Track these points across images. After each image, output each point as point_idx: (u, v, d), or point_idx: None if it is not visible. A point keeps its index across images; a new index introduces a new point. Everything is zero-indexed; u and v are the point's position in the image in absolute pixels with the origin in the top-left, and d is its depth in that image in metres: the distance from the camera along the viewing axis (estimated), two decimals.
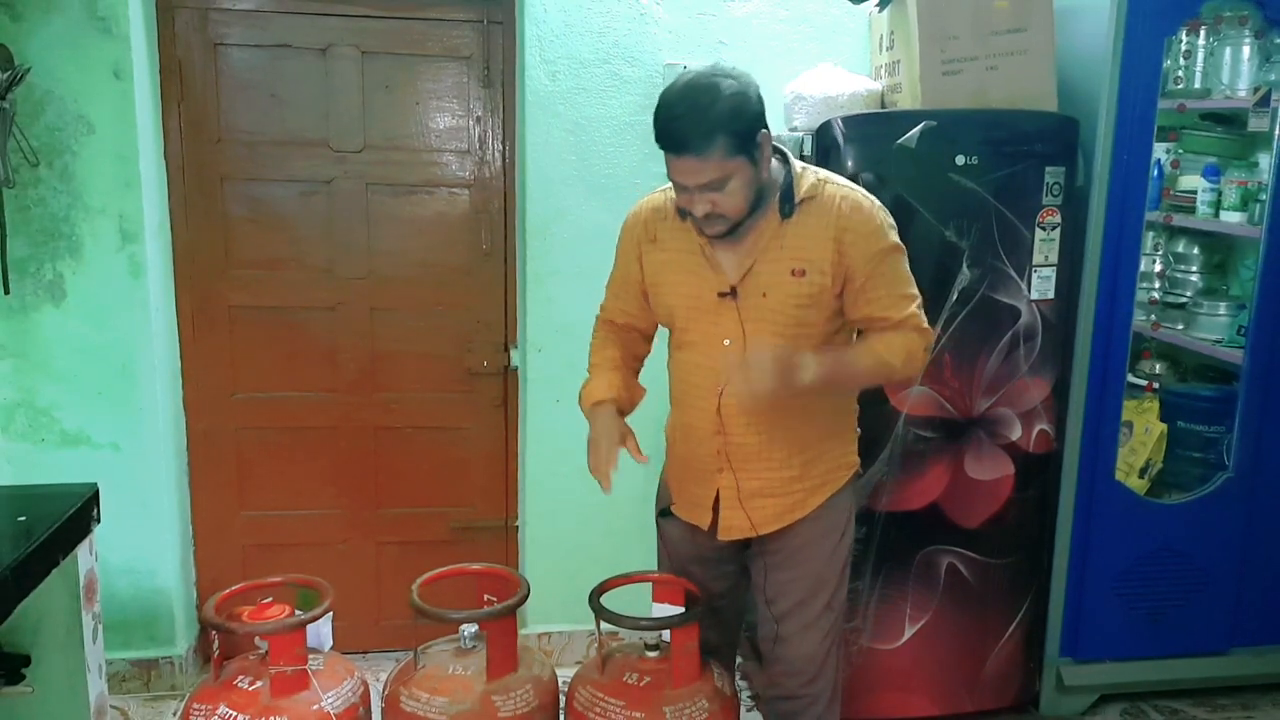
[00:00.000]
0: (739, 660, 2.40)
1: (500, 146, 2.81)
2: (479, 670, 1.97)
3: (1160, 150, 2.90)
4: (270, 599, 1.97)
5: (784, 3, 2.74)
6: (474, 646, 2.03)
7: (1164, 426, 2.88)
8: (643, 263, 1.94)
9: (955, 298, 2.40)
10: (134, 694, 2.72)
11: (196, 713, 1.87)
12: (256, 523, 2.90)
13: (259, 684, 1.89)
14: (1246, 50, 2.83)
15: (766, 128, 1.76)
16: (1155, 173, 2.78)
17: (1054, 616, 2.69)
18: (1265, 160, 2.77)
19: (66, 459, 2.59)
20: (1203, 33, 2.86)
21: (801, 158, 2.47)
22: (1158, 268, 3.18)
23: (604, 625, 2.00)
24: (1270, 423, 2.70)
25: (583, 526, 2.87)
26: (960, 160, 2.35)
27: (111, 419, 2.61)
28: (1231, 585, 2.76)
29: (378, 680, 2.46)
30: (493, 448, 2.96)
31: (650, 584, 2.09)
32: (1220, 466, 2.78)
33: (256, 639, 1.94)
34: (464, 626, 2.04)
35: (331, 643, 2.06)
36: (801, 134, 2.52)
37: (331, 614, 2.01)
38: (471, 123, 2.80)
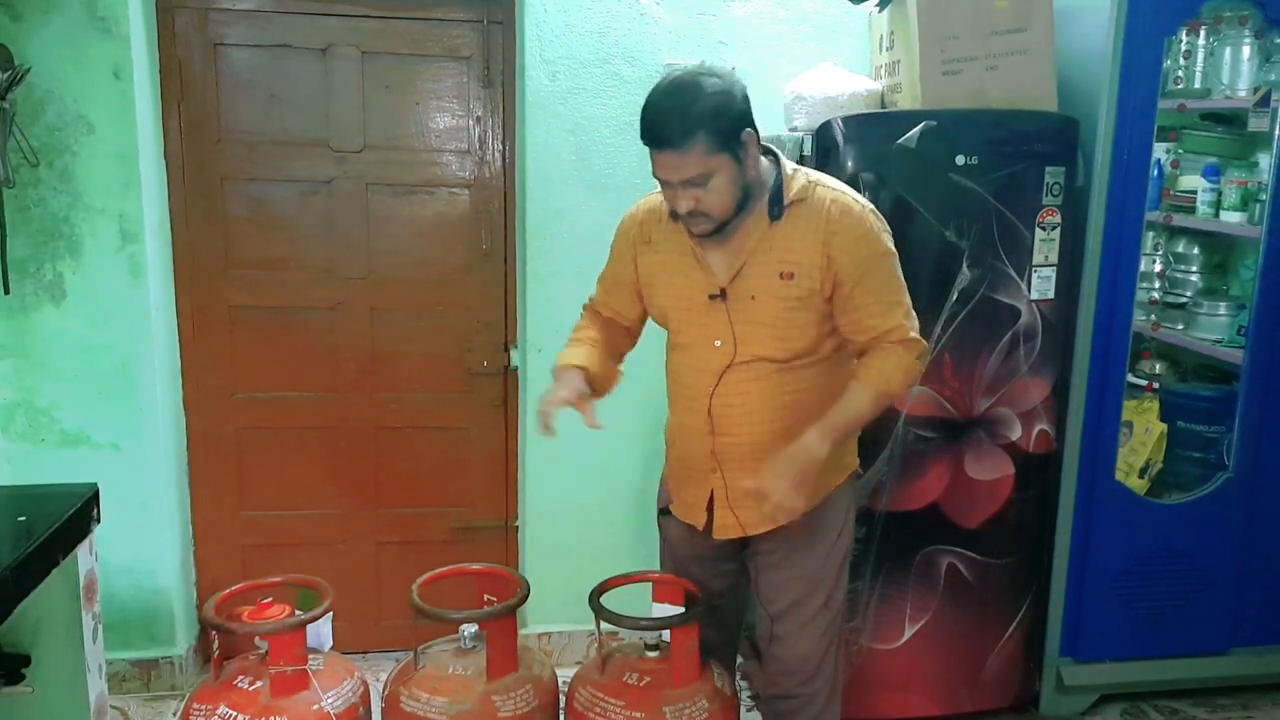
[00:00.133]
0: (739, 660, 2.40)
1: (500, 146, 2.81)
2: (479, 670, 1.97)
3: (1160, 150, 2.90)
4: (270, 599, 1.97)
5: (784, 3, 2.74)
6: (474, 646, 2.03)
7: (1164, 426, 2.88)
8: (637, 264, 1.95)
9: (955, 298, 2.40)
10: (134, 694, 2.72)
11: (196, 713, 1.87)
12: (256, 523, 2.90)
13: (259, 684, 1.89)
14: (1246, 50, 2.83)
15: (753, 128, 1.76)
16: (1155, 173, 2.78)
17: (1054, 616, 2.69)
18: (1265, 160, 2.77)
19: (66, 459, 2.59)
20: (1203, 33, 2.86)
21: (802, 158, 2.48)
22: (1158, 268, 3.18)
23: (604, 625, 2.00)
24: (1270, 423, 2.70)
25: (583, 526, 2.87)
26: (960, 160, 2.34)
27: (111, 419, 2.61)
28: (1232, 585, 2.76)
29: (378, 680, 2.46)
30: (493, 448, 2.96)
31: (650, 584, 2.09)
32: (1220, 466, 2.78)
33: (256, 639, 1.94)
34: (464, 626, 2.04)
35: (331, 643, 2.06)
36: (802, 134, 2.52)
37: (331, 614, 2.02)
38: (471, 123, 2.80)
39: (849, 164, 2.34)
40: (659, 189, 1.91)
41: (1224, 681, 2.84)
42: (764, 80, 2.74)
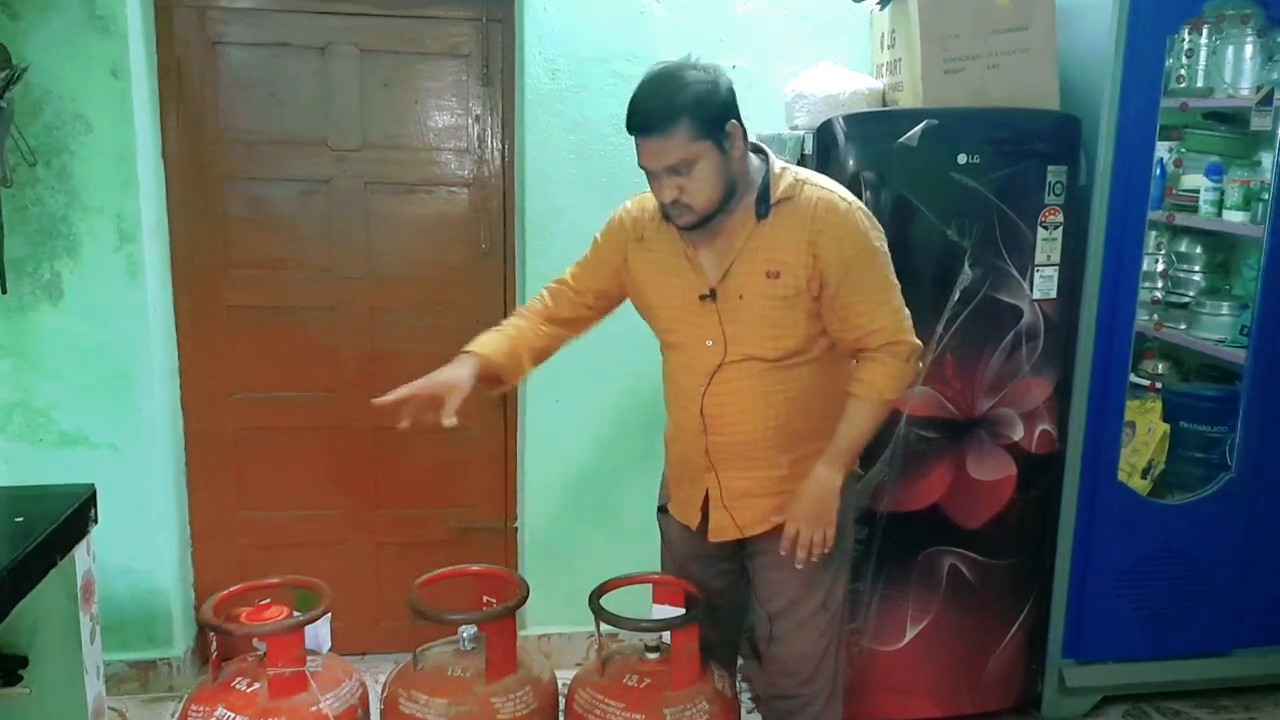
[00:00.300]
0: (740, 661, 2.39)
1: (499, 145, 2.81)
2: (478, 672, 1.96)
3: (1163, 149, 2.89)
4: (268, 600, 1.96)
5: (784, 1, 2.74)
6: (473, 648, 2.02)
7: (1166, 427, 2.87)
8: (628, 259, 1.95)
9: (957, 297, 2.39)
10: (132, 695, 2.71)
11: (194, 714, 1.87)
12: (255, 523, 2.89)
13: (257, 685, 1.89)
14: (1249, 49, 2.82)
15: (739, 121, 1.77)
16: (1158, 172, 2.77)
17: (1056, 617, 2.68)
18: (1268, 159, 2.76)
19: (64, 459, 2.58)
20: (1205, 31, 2.85)
21: (803, 156, 2.47)
22: (1160, 267, 3.17)
23: (604, 627, 1.99)
24: (1273, 423, 2.69)
25: (583, 527, 2.87)
26: (962, 159, 2.34)
27: (109, 419, 2.60)
28: (1234, 586, 2.75)
29: (376, 682, 2.44)
30: (493, 448, 2.95)
31: (650, 585, 2.08)
32: (1223, 467, 2.77)
33: (255, 640, 1.93)
34: (463, 628, 2.04)
35: (330, 644, 2.06)
36: (803, 132, 2.51)
37: (330, 615, 2.01)
38: (470, 121, 2.79)
39: (850, 163, 2.33)
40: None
41: (1226, 682, 2.84)
42: (764, 79, 2.73)
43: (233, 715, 1.84)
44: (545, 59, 2.66)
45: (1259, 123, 2.73)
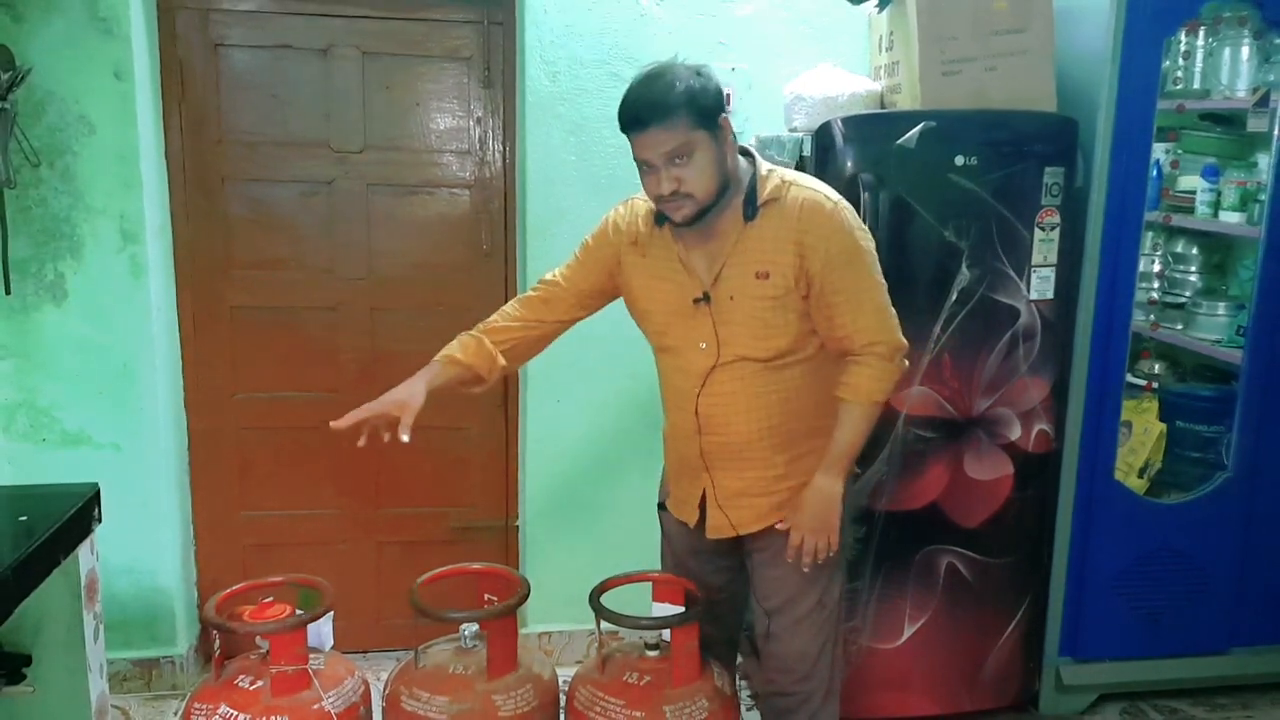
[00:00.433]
0: (739, 659, 2.40)
1: (500, 147, 2.82)
2: (479, 670, 1.97)
3: (1159, 150, 2.91)
4: (271, 598, 1.97)
5: (784, 3, 2.75)
6: (474, 646, 2.03)
7: (1163, 426, 2.89)
8: (622, 264, 1.97)
9: (954, 298, 2.40)
10: (135, 693, 2.72)
11: (197, 712, 1.87)
12: (257, 522, 2.90)
13: (260, 683, 1.89)
14: (1245, 51, 2.83)
15: (727, 114, 1.81)
16: (1154, 173, 2.78)
17: (1053, 616, 2.69)
18: (1264, 160, 2.77)
19: (67, 459, 2.59)
20: (1202, 33, 2.86)
21: (802, 158, 2.48)
22: (1157, 268, 3.19)
23: (604, 625, 2.00)
24: (1269, 422, 2.70)
25: (583, 526, 2.88)
26: (960, 161, 2.35)
27: (112, 419, 2.61)
28: (1231, 585, 2.76)
29: (378, 680, 2.46)
30: (493, 448, 2.96)
31: (650, 584, 2.09)
32: (1219, 466, 2.78)
33: (257, 638, 1.94)
34: (464, 626, 2.04)
35: (332, 642, 2.06)
36: (801, 134, 2.52)
37: (332, 613, 2.02)
38: (472, 123, 2.80)
39: (848, 164, 2.34)
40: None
41: (1223, 681, 2.85)
42: (764, 80, 2.74)
43: (236, 713, 1.85)
44: (546, 61, 2.67)
45: (1255, 124, 2.74)
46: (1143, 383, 2.94)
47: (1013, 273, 2.42)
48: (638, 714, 1.93)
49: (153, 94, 2.60)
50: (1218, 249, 3.19)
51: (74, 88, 2.45)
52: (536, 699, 1.98)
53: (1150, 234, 3.11)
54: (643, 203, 1.95)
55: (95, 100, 2.47)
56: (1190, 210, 2.97)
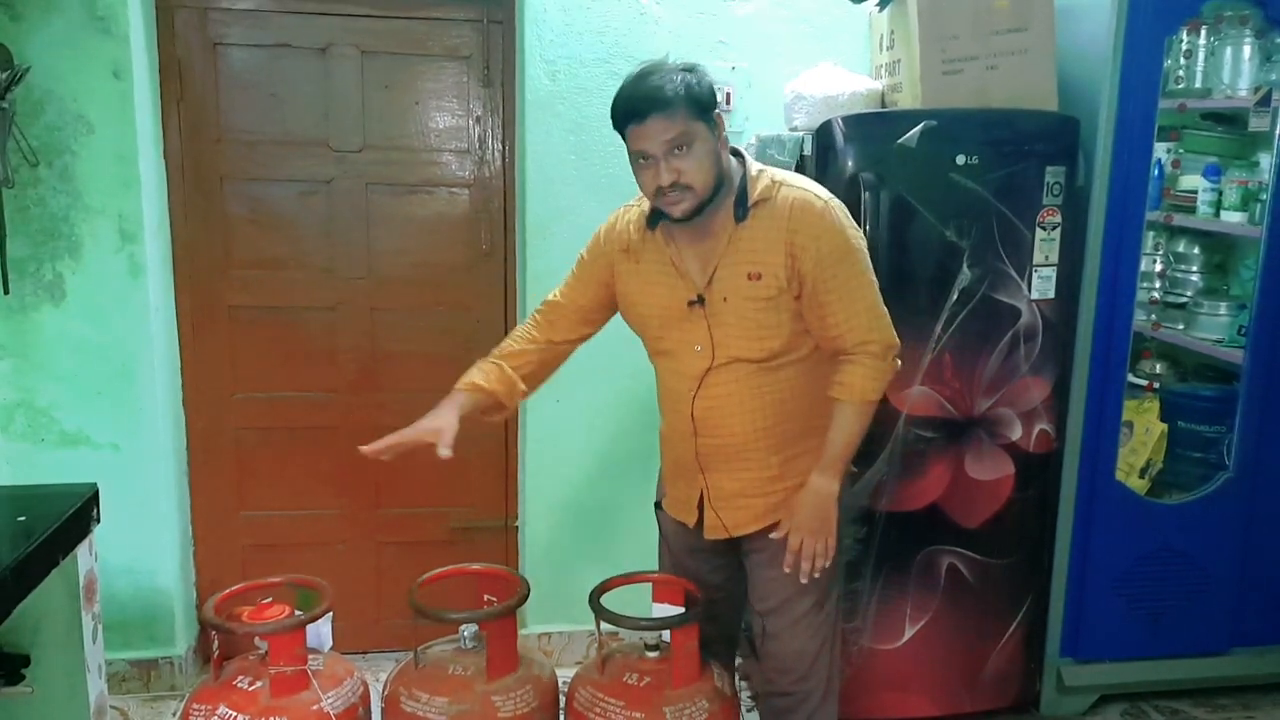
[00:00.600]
0: (739, 660, 2.40)
1: (500, 146, 2.81)
2: (479, 670, 1.97)
3: (1161, 150, 2.90)
4: (270, 599, 1.96)
5: (784, 2, 2.74)
6: (474, 647, 2.03)
7: (1164, 426, 2.88)
8: (615, 273, 1.97)
9: (955, 297, 2.40)
10: (134, 694, 2.72)
11: (196, 713, 1.87)
12: (256, 523, 2.90)
13: (259, 684, 1.89)
14: (1247, 50, 2.82)
15: (720, 110, 1.83)
16: (1156, 172, 2.78)
17: (1054, 616, 2.69)
18: (1266, 160, 2.76)
19: (66, 459, 2.59)
20: (1203, 32, 2.85)
21: (802, 157, 2.48)
22: (1158, 267, 3.18)
23: (604, 625, 2.00)
24: (1271, 422, 2.70)
25: (583, 526, 2.87)
26: (961, 160, 2.34)
27: (111, 419, 2.61)
28: (1232, 585, 2.76)
29: (377, 680, 2.45)
30: (493, 448, 2.96)
31: (650, 584, 2.09)
32: (1221, 466, 2.78)
33: (256, 639, 1.94)
34: (464, 627, 2.04)
35: (331, 643, 2.06)
36: (802, 134, 2.51)
37: (331, 614, 2.01)
38: (471, 122, 2.80)
39: (849, 164, 2.34)
40: (631, 201, 1.97)
41: (1225, 681, 2.84)
42: (764, 80, 2.74)
43: (234, 714, 1.84)
44: (546, 60, 2.67)
45: (1257, 123, 2.73)
46: (1144, 383, 2.93)
47: (1014, 272, 2.42)
48: (638, 715, 1.92)
49: (151, 93, 2.59)
50: (1219, 249, 3.18)
51: (72, 87, 2.45)
52: (536, 700, 1.98)
53: (1151, 233, 3.10)
54: (634, 208, 1.96)
55: (94, 99, 2.46)
56: (1192, 210, 2.97)
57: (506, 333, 2.85)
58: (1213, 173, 2.91)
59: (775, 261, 1.81)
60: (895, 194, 2.33)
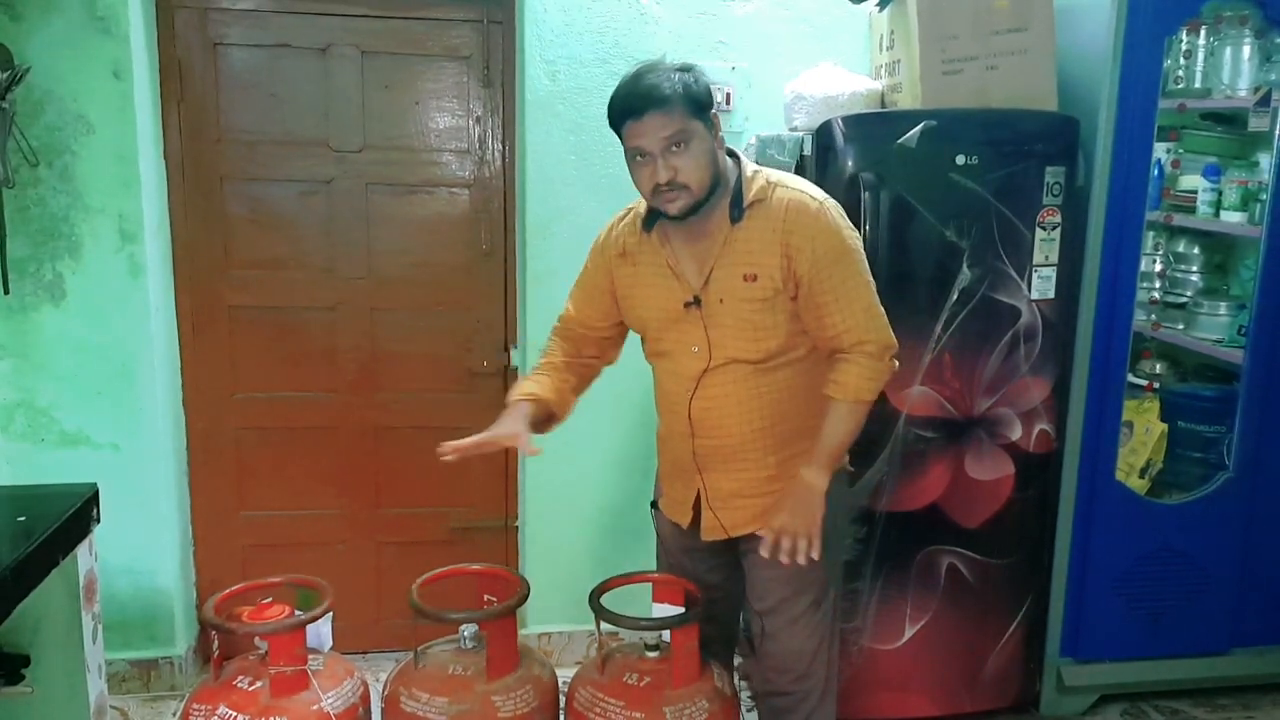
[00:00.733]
0: (738, 660, 2.40)
1: (500, 146, 2.81)
2: (479, 670, 1.97)
3: (1161, 150, 2.90)
4: (270, 599, 1.97)
5: (784, 2, 2.74)
6: (474, 647, 2.03)
7: (1164, 426, 2.88)
8: (614, 277, 1.98)
9: (955, 297, 2.40)
10: (134, 694, 2.72)
11: (196, 713, 1.87)
12: (256, 523, 2.90)
13: (259, 684, 1.89)
14: (1247, 50, 2.82)
15: (717, 110, 1.83)
16: (1156, 172, 2.78)
17: (1054, 616, 2.69)
18: (1266, 160, 2.76)
19: (66, 459, 2.59)
20: (1203, 32, 2.85)
21: (802, 157, 2.48)
22: (1158, 267, 3.18)
23: (604, 625, 2.00)
24: (1271, 422, 2.70)
25: (583, 526, 2.87)
26: (960, 160, 2.34)
27: (111, 419, 2.61)
28: (1232, 585, 2.76)
29: (378, 680, 2.45)
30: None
31: (650, 584, 2.09)
32: (1221, 466, 2.78)
33: (256, 639, 1.94)
34: (464, 627, 2.04)
35: (331, 643, 2.06)
36: (802, 134, 2.51)
37: (331, 614, 2.01)
38: (471, 122, 2.80)
39: (849, 164, 2.34)
40: (627, 206, 1.98)
41: (1225, 681, 2.84)
42: (764, 80, 2.74)
43: (234, 714, 1.84)
44: (545, 60, 2.67)
45: (1256, 123, 2.73)
46: (1144, 383, 2.93)
47: (1014, 272, 2.42)
48: (638, 715, 1.92)
49: (151, 93, 2.59)
50: (1219, 249, 3.18)
51: (72, 87, 2.45)
52: (536, 700, 1.98)
53: (1151, 233, 3.10)
54: (630, 211, 1.97)
55: (94, 99, 2.46)
56: (1191, 210, 2.97)
57: (506, 332, 2.89)
58: (1212, 173, 2.91)
59: (771, 263, 1.81)
60: (895, 194, 2.33)
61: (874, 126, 2.39)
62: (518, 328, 2.86)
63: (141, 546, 2.67)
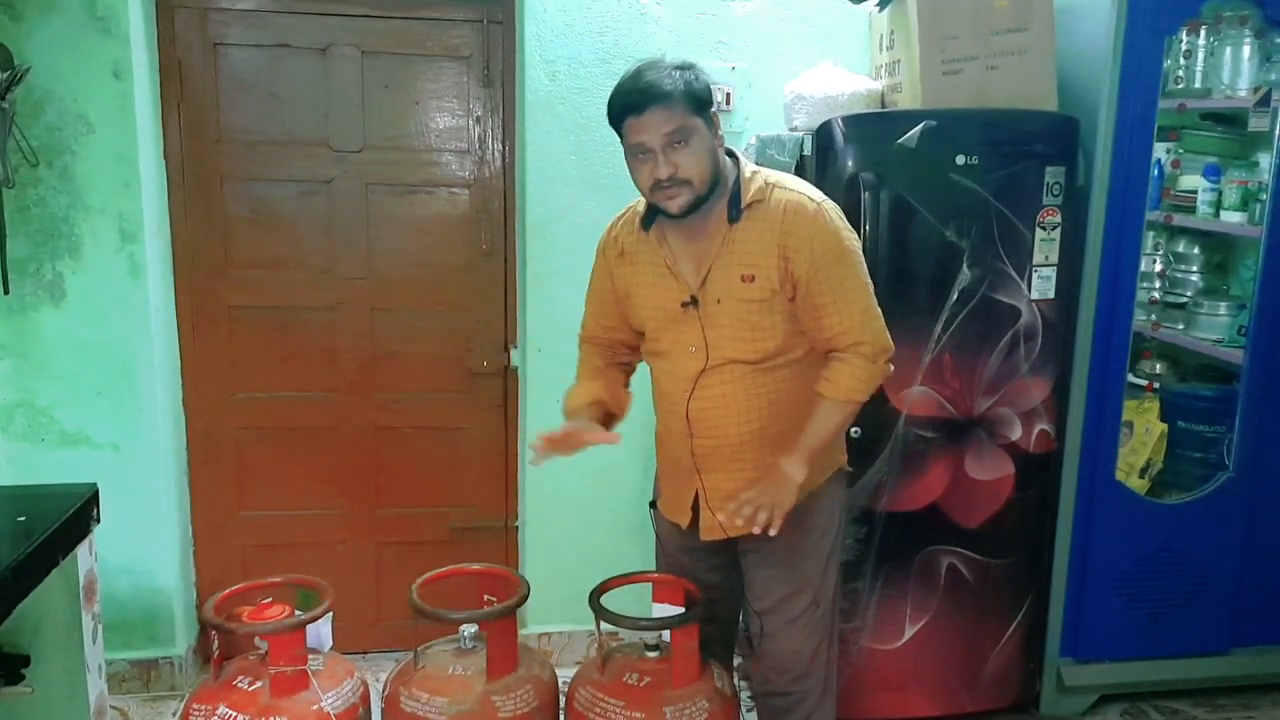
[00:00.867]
0: (738, 660, 2.40)
1: (500, 146, 2.81)
2: (479, 670, 1.97)
3: (1161, 150, 2.90)
4: (270, 599, 1.97)
5: (784, 2, 2.74)
6: (474, 647, 2.03)
7: (1164, 426, 2.88)
8: (614, 278, 1.98)
9: (955, 298, 2.40)
10: (134, 694, 2.72)
11: (196, 713, 1.87)
12: (256, 523, 2.90)
13: (259, 684, 1.89)
14: (1247, 50, 2.82)
15: (717, 109, 1.84)
16: (1155, 172, 2.78)
17: (1054, 616, 2.69)
18: (1265, 160, 2.76)
19: (66, 459, 2.59)
20: (1203, 32, 2.85)
21: (802, 157, 2.48)
22: (1158, 267, 3.18)
23: (604, 625, 2.00)
24: (1270, 422, 2.70)
25: (583, 526, 2.87)
26: (960, 160, 2.34)
27: (111, 419, 2.61)
28: (1232, 585, 2.76)
29: (377, 680, 2.45)
30: (493, 448, 2.96)
31: (650, 584, 2.09)
32: (1221, 466, 2.78)
33: (256, 639, 1.94)
34: (464, 627, 2.04)
35: (331, 643, 2.06)
36: (801, 134, 2.51)
37: (331, 614, 2.02)
38: (471, 122, 2.80)
39: (849, 164, 2.34)
40: (627, 206, 1.98)
41: (1224, 682, 2.84)
42: (764, 80, 2.74)
43: (234, 714, 1.84)
44: (545, 60, 2.67)
45: (1256, 123, 2.73)
46: (1144, 383, 2.93)
47: (1014, 272, 2.42)
48: (638, 715, 1.93)
49: (151, 93, 2.59)
50: (1219, 249, 3.18)
51: (72, 87, 2.45)
52: (536, 699, 1.98)
53: (1151, 233, 3.10)
54: (628, 212, 1.97)
55: (94, 99, 2.46)
56: (1191, 210, 2.97)
57: (506, 332, 2.89)
58: (1212, 173, 2.91)
59: (768, 264, 1.81)
60: (895, 194, 2.33)
61: (874, 126, 2.40)
62: (518, 328, 2.86)
63: (141, 546, 2.67)
